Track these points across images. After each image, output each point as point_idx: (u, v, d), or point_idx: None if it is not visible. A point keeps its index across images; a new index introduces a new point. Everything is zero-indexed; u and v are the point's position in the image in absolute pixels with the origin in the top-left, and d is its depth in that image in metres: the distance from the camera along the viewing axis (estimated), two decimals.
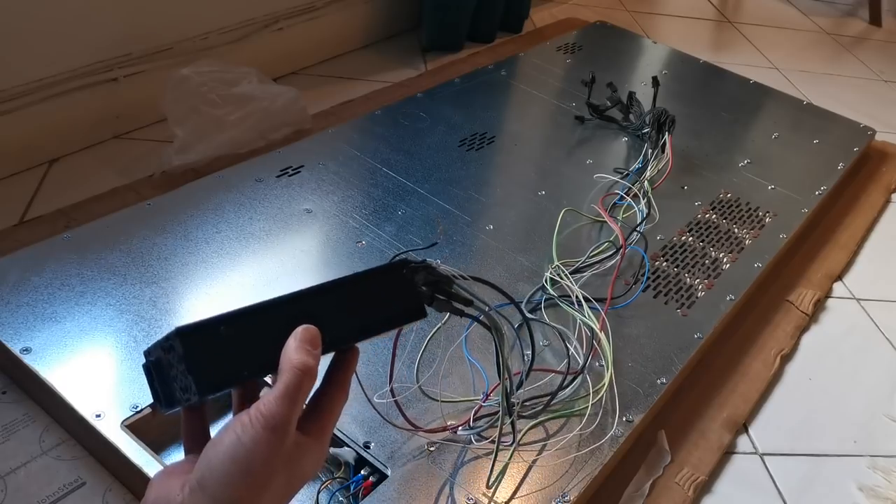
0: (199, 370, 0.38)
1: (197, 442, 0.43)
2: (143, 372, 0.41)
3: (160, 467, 0.60)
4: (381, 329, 0.44)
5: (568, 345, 0.77)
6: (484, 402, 0.68)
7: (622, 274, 0.88)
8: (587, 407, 0.70)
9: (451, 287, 0.49)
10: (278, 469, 0.38)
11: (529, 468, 0.65)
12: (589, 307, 0.79)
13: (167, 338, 0.38)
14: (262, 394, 0.39)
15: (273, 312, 0.40)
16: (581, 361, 0.74)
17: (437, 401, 0.68)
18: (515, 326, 0.76)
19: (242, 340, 0.39)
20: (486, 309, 0.52)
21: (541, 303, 0.81)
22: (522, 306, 0.80)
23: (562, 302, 0.81)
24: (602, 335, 0.76)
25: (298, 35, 1.31)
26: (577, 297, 0.80)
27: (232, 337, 0.39)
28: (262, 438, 0.37)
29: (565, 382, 0.71)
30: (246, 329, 0.39)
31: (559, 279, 0.83)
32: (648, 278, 0.88)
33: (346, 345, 0.43)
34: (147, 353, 0.41)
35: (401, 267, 0.46)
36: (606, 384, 0.72)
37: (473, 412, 0.67)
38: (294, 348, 0.39)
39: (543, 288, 0.83)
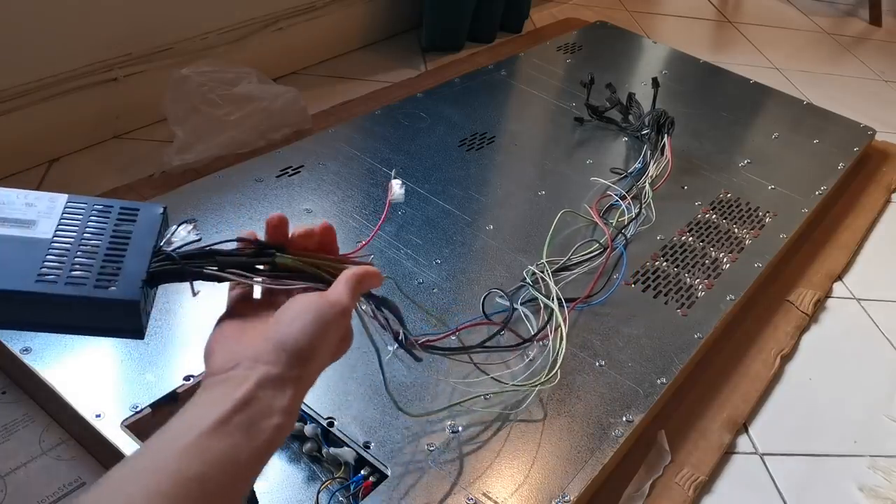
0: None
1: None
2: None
3: None
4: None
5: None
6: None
7: (622, 274, 0.88)
8: (548, 378, 0.71)
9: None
10: (336, 337, 0.46)
11: (530, 468, 0.66)
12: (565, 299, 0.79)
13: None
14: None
15: None
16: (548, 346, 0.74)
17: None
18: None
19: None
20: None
21: (518, 298, 0.81)
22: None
23: (535, 291, 0.81)
24: (557, 311, 0.76)
25: (298, 35, 1.31)
26: (555, 294, 0.79)
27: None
28: (332, 316, 0.44)
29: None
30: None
31: (539, 275, 0.83)
32: (634, 276, 0.88)
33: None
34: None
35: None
36: (563, 350, 0.73)
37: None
38: (354, 270, 0.48)
39: (525, 283, 0.82)
